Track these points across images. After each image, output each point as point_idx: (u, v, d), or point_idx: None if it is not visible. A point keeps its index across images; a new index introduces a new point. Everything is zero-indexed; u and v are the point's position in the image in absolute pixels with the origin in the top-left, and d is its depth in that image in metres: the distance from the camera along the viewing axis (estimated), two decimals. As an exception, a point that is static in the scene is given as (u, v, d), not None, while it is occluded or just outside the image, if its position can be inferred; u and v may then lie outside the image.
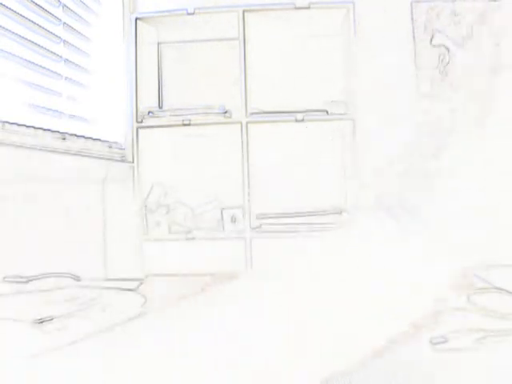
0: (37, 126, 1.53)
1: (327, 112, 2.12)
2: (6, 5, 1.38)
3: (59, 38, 1.69)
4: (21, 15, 1.46)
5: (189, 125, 2.15)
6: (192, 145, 2.35)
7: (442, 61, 2.20)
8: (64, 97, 1.72)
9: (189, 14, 2.14)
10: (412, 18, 2.22)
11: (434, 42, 2.21)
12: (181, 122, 2.15)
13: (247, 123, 2.12)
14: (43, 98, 1.60)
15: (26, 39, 1.48)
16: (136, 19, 2.18)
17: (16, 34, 1.43)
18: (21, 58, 1.46)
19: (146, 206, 2.20)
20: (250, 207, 2.14)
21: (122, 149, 2.15)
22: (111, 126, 2.10)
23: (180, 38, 2.36)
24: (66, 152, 1.67)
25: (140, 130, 2.16)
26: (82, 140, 1.82)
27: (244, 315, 1.14)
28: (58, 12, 1.69)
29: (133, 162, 2.15)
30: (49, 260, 1.46)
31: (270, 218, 2.17)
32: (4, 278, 1.18)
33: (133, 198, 2.15)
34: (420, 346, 0.90)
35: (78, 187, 1.76)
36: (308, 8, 2.10)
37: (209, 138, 2.31)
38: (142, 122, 2.16)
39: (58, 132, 1.65)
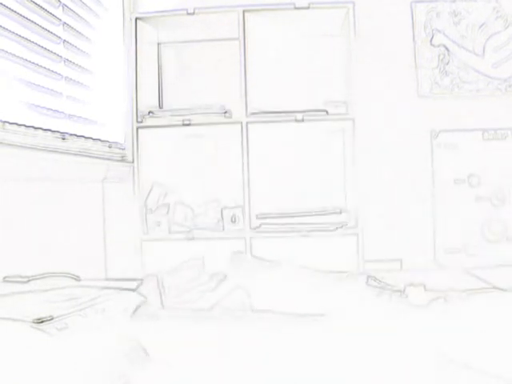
0: (37, 126, 1.53)
1: (327, 112, 2.12)
2: (6, 5, 1.38)
3: (59, 38, 1.69)
4: (21, 15, 1.46)
5: (189, 125, 2.15)
6: (192, 145, 2.35)
7: (442, 61, 2.20)
8: (64, 97, 1.72)
9: (189, 13, 2.14)
10: (412, 18, 2.22)
11: (433, 42, 2.21)
12: (181, 122, 2.15)
13: (247, 123, 2.12)
14: (43, 98, 1.60)
15: (26, 39, 1.48)
16: (136, 19, 2.18)
17: (16, 34, 1.43)
18: (21, 58, 1.46)
19: (145, 206, 2.20)
20: (250, 207, 2.14)
21: (122, 149, 2.15)
22: (111, 126, 2.10)
23: (180, 38, 2.36)
24: (66, 152, 1.67)
25: (140, 130, 2.16)
26: (82, 140, 1.82)
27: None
28: (58, 12, 1.68)
29: (133, 162, 2.15)
30: (49, 260, 1.46)
31: (270, 217, 2.17)
32: (4, 278, 1.18)
33: (133, 197, 2.15)
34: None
35: (77, 187, 1.76)
36: (308, 8, 2.10)
37: (209, 138, 2.31)
38: (142, 122, 2.16)
39: (58, 132, 1.65)
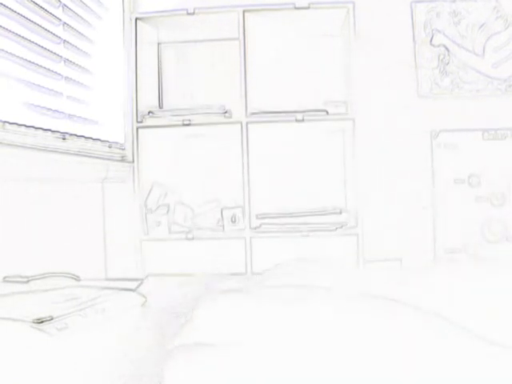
0: (37, 126, 1.53)
1: (327, 112, 2.12)
2: (6, 5, 1.38)
3: (59, 38, 1.69)
4: (21, 15, 1.46)
5: (189, 125, 2.15)
6: (192, 145, 2.35)
7: (442, 61, 2.20)
8: (64, 97, 1.72)
9: (189, 13, 2.14)
10: (412, 18, 2.22)
11: (433, 42, 2.21)
12: (181, 122, 2.15)
13: (247, 123, 2.12)
14: (43, 98, 1.60)
15: (26, 39, 1.48)
16: (136, 19, 2.18)
17: (16, 34, 1.43)
18: (21, 58, 1.46)
19: (146, 206, 2.20)
20: (250, 207, 2.14)
21: (122, 149, 2.15)
22: (111, 126, 2.10)
23: (180, 38, 2.36)
24: (66, 152, 1.67)
25: (140, 130, 2.16)
26: (82, 140, 1.82)
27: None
28: (58, 12, 1.68)
29: (133, 162, 2.15)
30: (49, 260, 1.46)
31: (270, 217, 2.17)
32: (4, 277, 1.18)
33: (133, 197, 2.15)
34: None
35: (77, 187, 1.76)
36: (308, 8, 2.10)
37: (209, 137, 2.31)
38: (142, 122, 2.16)
39: (58, 132, 1.65)
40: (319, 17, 2.17)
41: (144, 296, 1.16)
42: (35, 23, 1.53)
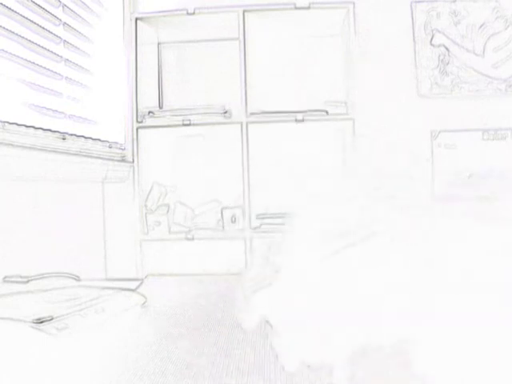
0: (37, 126, 1.53)
1: (327, 112, 2.12)
2: (6, 5, 1.38)
3: (59, 38, 1.69)
4: (21, 15, 1.46)
5: (189, 125, 2.15)
6: (192, 145, 2.35)
7: (442, 61, 2.20)
8: (64, 97, 1.72)
9: (189, 14, 2.14)
10: (412, 18, 2.22)
11: (433, 42, 2.21)
12: (181, 122, 2.15)
13: (247, 123, 2.12)
14: (43, 98, 1.60)
15: (26, 39, 1.48)
16: (136, 19, 2.18)
17: (16, 34, 1.43)
18: (21, 58, 1.46)
19: (145, 206, 2.20)
20: (250, 207, 2.14)
21: (122, 149, 2.15)
22: (111, 126, 2.10)
23: (180, 38, 2.36)
24: (66, 152, 1.67)
25: (140, 130, 2.16)
26: (82, 140, 1.82)
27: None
28: (58, 12, 1.69)
29: (133, 162, 2.15)
30: (49, 260, 1.46)
31: (270, 217, 2.17)
32: (4, 278, 1.18)
33: (133, 198, 2.15)
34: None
35: (78, 187, 1.76)
36: (308, 8, 2.10)
37: (209, 138, 2.31)
38: (142, 122, 2.16)
39: (58, 132, 1.65)
40: (319, 17, 2.17)
41: (144, 296, 1.16)
42: (35, 23, 1.53)
